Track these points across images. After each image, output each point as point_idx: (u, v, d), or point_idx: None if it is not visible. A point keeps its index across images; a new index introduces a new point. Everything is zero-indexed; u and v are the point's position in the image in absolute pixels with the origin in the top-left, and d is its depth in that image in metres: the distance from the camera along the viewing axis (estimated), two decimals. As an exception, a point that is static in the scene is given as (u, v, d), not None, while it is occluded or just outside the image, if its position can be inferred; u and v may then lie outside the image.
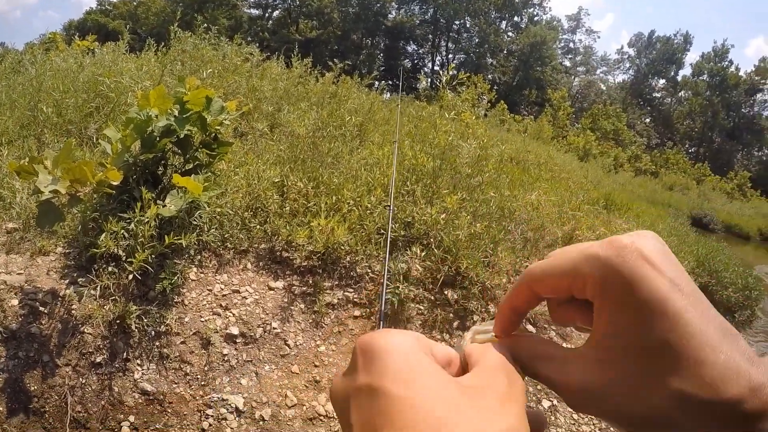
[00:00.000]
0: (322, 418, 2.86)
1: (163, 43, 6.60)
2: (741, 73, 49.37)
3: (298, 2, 40.98)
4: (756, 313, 7.49)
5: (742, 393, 0.31)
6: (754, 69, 49.47)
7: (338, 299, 3.53)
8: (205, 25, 7.38)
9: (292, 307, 3.37)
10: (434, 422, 0.29)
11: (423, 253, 3.81)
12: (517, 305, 0.42)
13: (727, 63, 50.07)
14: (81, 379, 2.59)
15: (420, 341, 0.36)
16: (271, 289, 3.42)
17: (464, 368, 0.38)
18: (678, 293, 0.33)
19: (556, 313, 0.42)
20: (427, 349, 0.36)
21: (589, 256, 0.35)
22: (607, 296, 0.35)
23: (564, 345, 0.55)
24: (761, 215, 24.18)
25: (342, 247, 3.64)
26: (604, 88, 52.64)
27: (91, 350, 2.68)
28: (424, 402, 0.31)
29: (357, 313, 3.51)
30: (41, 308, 2.70)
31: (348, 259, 3.71)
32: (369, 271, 3.71)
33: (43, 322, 2.67)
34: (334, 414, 0.26)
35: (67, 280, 2.89)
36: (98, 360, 2.67)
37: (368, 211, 3.95)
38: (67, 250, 3.08)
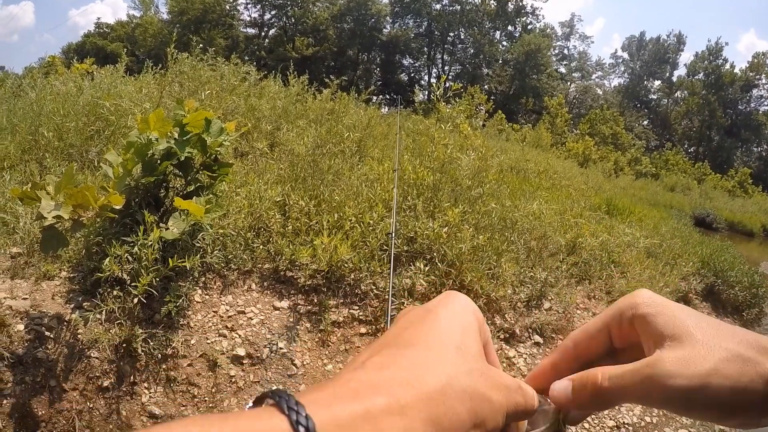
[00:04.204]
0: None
1: (161, 65, 6.64)
2: (736, 70, 49.43)
3: (293, 20, 41.27)
4: (764, 311, 7.43)
5: None
6: (747, 65, 49.68)
7: (344, 317, 3.52)
8: (202, 45, 7.44)
9: (298, 327, 3.36)
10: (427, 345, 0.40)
11: (427, 268, 3.78)
12: (558, 363, 0.51)
13: (721, 61, 50.10)
14: (88, 403, 2.58)
15: (479, 325, 0.45)
16: (276, 309, 3.42)
17: None
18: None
19: None
20: (478, 329, 0.44)
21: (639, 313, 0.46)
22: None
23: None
24: (763, 211, 24.15)
25: (346, 265, 3.64)
26: (601, 93, 52.69)
27: (97, 374, 2.67)
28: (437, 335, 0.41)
29: (363, 330, 3.50)
30: (47, 333, 2.69)
31: (352, 276, 3.71)
32: (373, 287, 3.71)
33: (50, 346, 2.66)
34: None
35: (73, 305, 2.89)
36: (105, 384, 2.66)
37: (370, 228, 3.95)
38: (72, 275, 3.08)
